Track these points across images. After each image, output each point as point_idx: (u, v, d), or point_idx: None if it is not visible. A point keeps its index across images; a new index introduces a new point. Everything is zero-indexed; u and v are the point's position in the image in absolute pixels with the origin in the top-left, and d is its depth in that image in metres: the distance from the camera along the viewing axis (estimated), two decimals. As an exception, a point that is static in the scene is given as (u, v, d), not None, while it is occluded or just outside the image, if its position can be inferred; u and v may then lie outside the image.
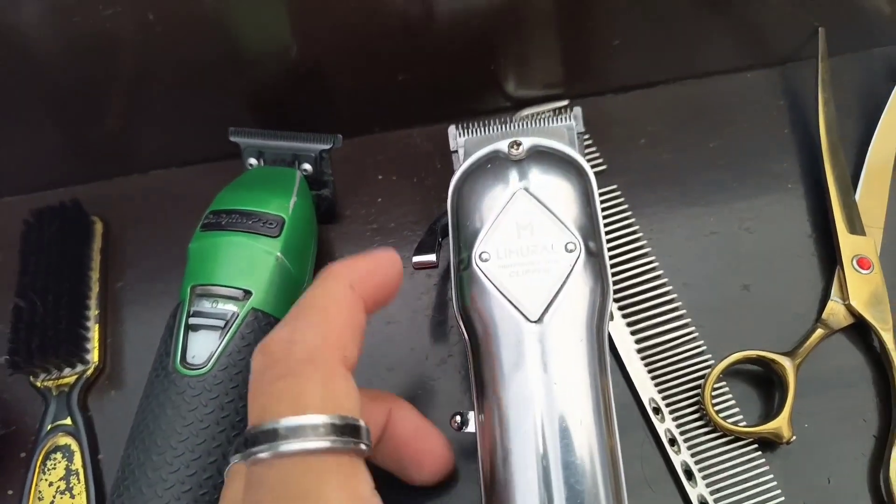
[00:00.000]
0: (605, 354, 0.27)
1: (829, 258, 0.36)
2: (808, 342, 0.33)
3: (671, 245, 0.37)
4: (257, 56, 0.37)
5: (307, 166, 0.36)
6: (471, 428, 0.27)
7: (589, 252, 0.28)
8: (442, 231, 0.32)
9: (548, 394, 0.25)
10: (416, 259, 0.32)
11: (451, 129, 0.33)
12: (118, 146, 0.40)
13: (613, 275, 0.35)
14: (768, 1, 0.39)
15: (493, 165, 0.30)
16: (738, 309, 0.35)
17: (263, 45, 0.36)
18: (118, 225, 0.40)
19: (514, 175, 0.29)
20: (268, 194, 0.33)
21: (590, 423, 0.25)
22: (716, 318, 0.35)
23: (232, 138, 0.35)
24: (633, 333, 0.34)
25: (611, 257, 0.35)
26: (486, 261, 0.28)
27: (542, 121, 0.33)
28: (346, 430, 0.21)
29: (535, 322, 0.26)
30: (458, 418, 0.28)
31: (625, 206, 0.38)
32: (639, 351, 0.34)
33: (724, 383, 0.33)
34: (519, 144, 0.30)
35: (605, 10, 0.37)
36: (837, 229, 0.36)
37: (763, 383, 0.33)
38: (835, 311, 0.34)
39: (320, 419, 0.21)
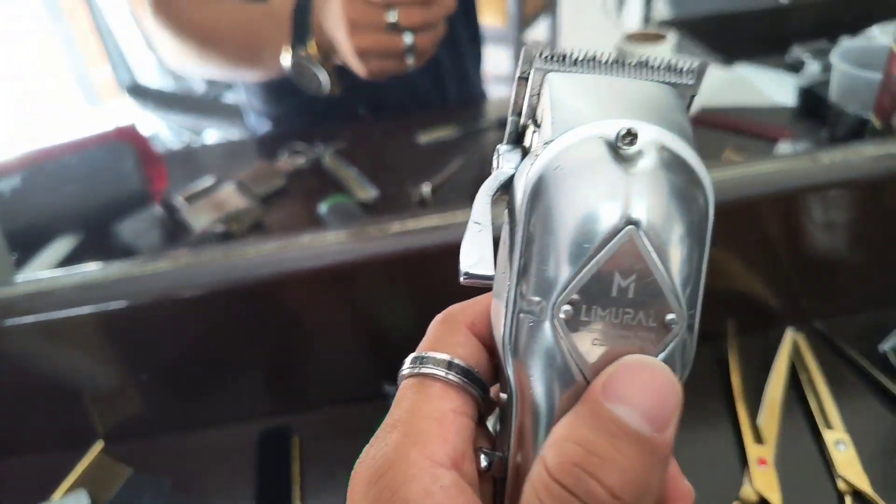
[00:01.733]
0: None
1: (742, 459, 0.59)
2: (729, 510, 0.56)
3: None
4: (393, 331, 0.64)
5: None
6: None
7: (689, 328, 0.23)
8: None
9: None
10: (468, 270, 0.24)
11: (526, 48, 0.25)
12: (303, 391, 0.66)
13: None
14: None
15: (594, 165, 0.22)
16: (689, 490, 0.58)
17: (396, 327, 0.63)
18: (307, 438, 0.64)
19: (622, 192, 0.22)
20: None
21: None
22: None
23: (385, 389, 0.61)
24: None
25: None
26: (566, 317, 0.22)
27: (652, 71, 0.24)
28: (431, 362, 0.26)
29: None
30: (483, 459, 0.26)
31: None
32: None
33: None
34: (634, 137, 0.22)
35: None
36: (745, 441, 0.59)
37: (704, 535, 0.55)
38: (746, 491, 0.57)
39: (418, 355, 0.27)
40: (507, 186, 0.25)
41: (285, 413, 0.66)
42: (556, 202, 0.22)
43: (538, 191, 0.22)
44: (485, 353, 0.28)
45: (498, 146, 0.26)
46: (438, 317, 0.29)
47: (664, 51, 0.92)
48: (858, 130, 0.80)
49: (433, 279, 0.57)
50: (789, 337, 0.67)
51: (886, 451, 0.59)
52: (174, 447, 0.65)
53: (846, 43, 0.88)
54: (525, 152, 0.25)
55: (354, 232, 0.56)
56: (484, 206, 0.24)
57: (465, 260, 0.23)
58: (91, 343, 0.57)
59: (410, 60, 0.80)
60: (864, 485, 0.55)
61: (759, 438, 0.60)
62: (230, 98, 1.87)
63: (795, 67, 1.09)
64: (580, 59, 0.24)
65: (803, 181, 0.57)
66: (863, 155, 0.58)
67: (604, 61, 0.24)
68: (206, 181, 0.93)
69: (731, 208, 0.58)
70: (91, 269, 0.56)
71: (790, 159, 0.57)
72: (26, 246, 0.79)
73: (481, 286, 0.24)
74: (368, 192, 0.89)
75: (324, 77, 0.83)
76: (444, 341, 0.28)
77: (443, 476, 0.24)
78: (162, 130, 1.90)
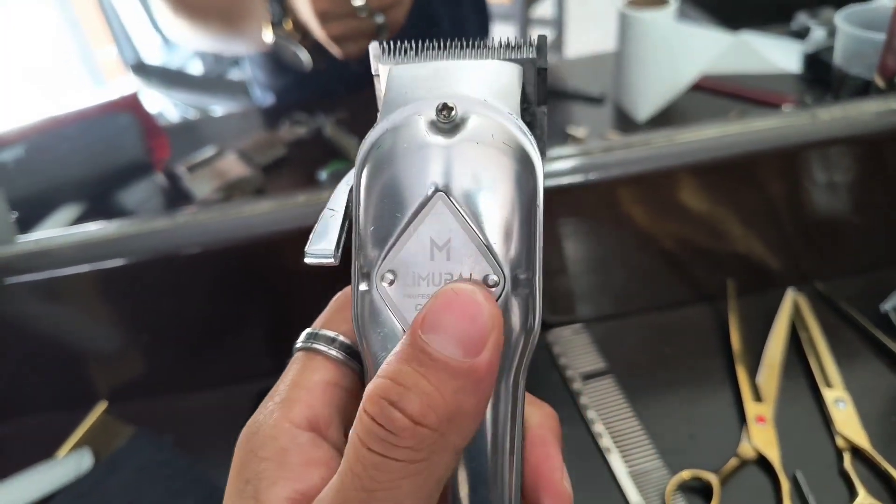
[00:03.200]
0: (518, 406, 0.24)
1: (741, 417, 0.59)
2: (727, 466, 0.55)
3: (647, 413, 0.60)
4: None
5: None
6: None
7: (516, 284, 0.23)
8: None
9: None
10: (308, 250, 0.25)
11: (374, 46, 0.26)
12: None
13: (617, 433, 0.58)
14: (699, 264, 0.66)
15: (410, 141, 0.23)
16: (689, 449, 0.58)
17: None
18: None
19: (435, 162, 0.23)
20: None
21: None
22: (674, 455, 0.57)
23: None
24: (628, 464, 0.57)
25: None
26: (389, 284, 0.23)
27: (492, 51, 0.26)
28: (319, 339, 0.28)
29: None
30: None
31: (619, 391, 0.62)
32: (631, 474, 0.56)
33: (679, 491, 0.55)
34: (450, 110, 0.23)
35: (594, 271, 0.65)
36: (744, 399, 0.59)
37: (701, 490, 0.55)
38: (745, 448, 0.57)
39: (312, 331, 0.28)
40: None
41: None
42: (376, 179, 0.23)
43: (361, 172, 0.24)
44: None
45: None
46: (336, 296, 0.31)
47: (666, 16, 0.91)
48: (862, 92, 0.79)
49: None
50: (790, 297, 0.67)
51: (887, 409, 0.59)
52: (175, 407, 0.66)
53: (852, 6, 0.87)
54: None
55: (351, 190, 0.56)
56: (340, 194, 0.26)
57: (310, 242, 0.25)
58: (91, 302, 0.58)
59: (384, 36, 0.81)
60: (863, 442, 0.55)
61: (758, 397, 0.60)
62: (235, 75, 1.86)
63: (801, 34, 1.08)
64: (422, 48, 0.26)
65: (803, 138, 0.56)
66: (863, 111, 0.57)
67: (446, 47, 0.26)
68: (208, 151, 0.93)
69: (729, 166, 0.58)
70: (90, 228, 0.56)
71: (789, 116, 0.57)
72: (30, 214, 0.80)
73: (324, 265, 0.25)
74: (370, 161, 0.89)
75: (304, 55, 0.85)
76: (335, 318, 0.29)
77: (300, 436, 0.25)
78: (167, 108, 1.90)
